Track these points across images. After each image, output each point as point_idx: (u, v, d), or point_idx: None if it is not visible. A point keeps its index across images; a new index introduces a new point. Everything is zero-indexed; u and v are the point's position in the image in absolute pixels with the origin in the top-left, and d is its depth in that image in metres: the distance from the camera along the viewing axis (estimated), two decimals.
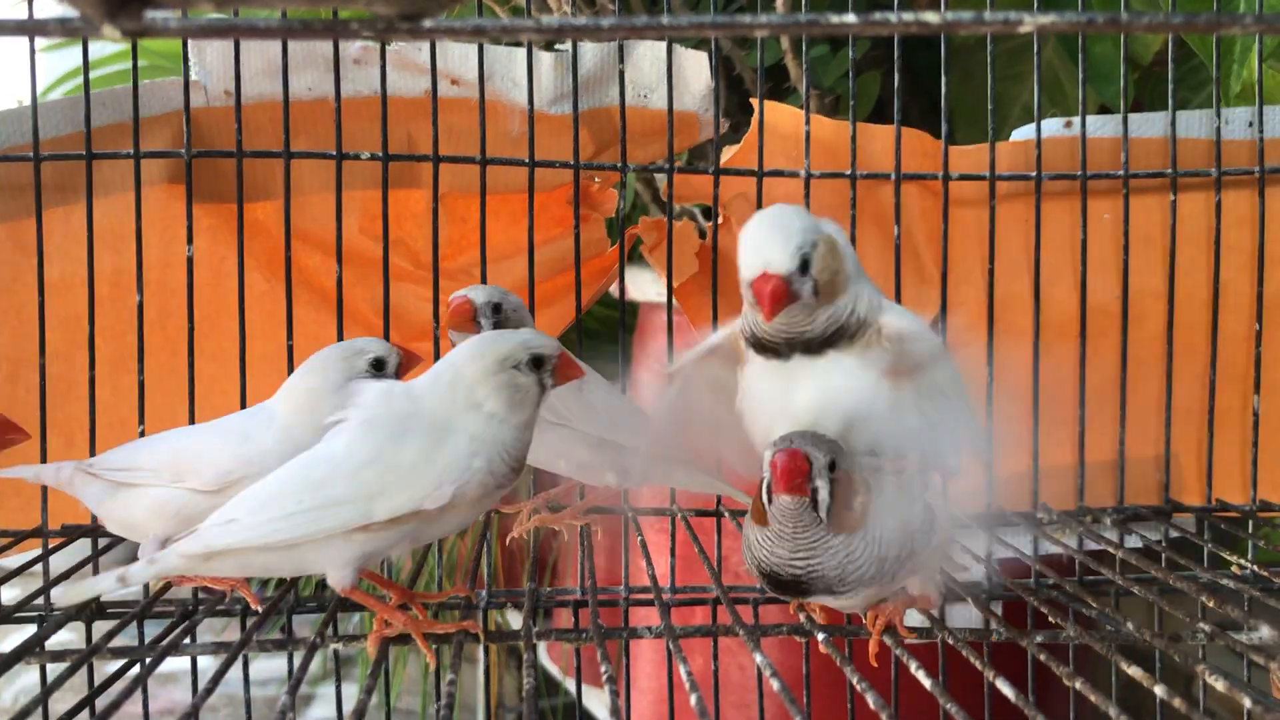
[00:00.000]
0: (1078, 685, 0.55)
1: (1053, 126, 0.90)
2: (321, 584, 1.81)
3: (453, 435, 0.57)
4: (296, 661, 0.64)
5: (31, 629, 0.77)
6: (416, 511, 0.56)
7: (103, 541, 0.84)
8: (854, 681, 0.55)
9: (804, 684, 0.86)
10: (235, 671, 0.62)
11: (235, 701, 1.38)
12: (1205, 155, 0.89)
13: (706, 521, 0.88)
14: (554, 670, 1.73)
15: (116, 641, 0.71)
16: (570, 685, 1.51)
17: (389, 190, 0.85)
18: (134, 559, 0.80)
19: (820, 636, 0.61)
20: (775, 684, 0.54)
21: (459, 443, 0.57)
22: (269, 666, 1.73)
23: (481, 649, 1.91)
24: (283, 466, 0.58)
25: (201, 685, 0.84)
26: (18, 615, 0.78)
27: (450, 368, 0.60)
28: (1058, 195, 0.90)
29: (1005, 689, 0.53)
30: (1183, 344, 0.90)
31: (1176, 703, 0.52)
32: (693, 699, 0.53)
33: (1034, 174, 0.88)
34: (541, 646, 1.73)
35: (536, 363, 0.60)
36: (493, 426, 0.59)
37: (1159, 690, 0.54)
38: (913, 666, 0.56)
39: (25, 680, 2.05)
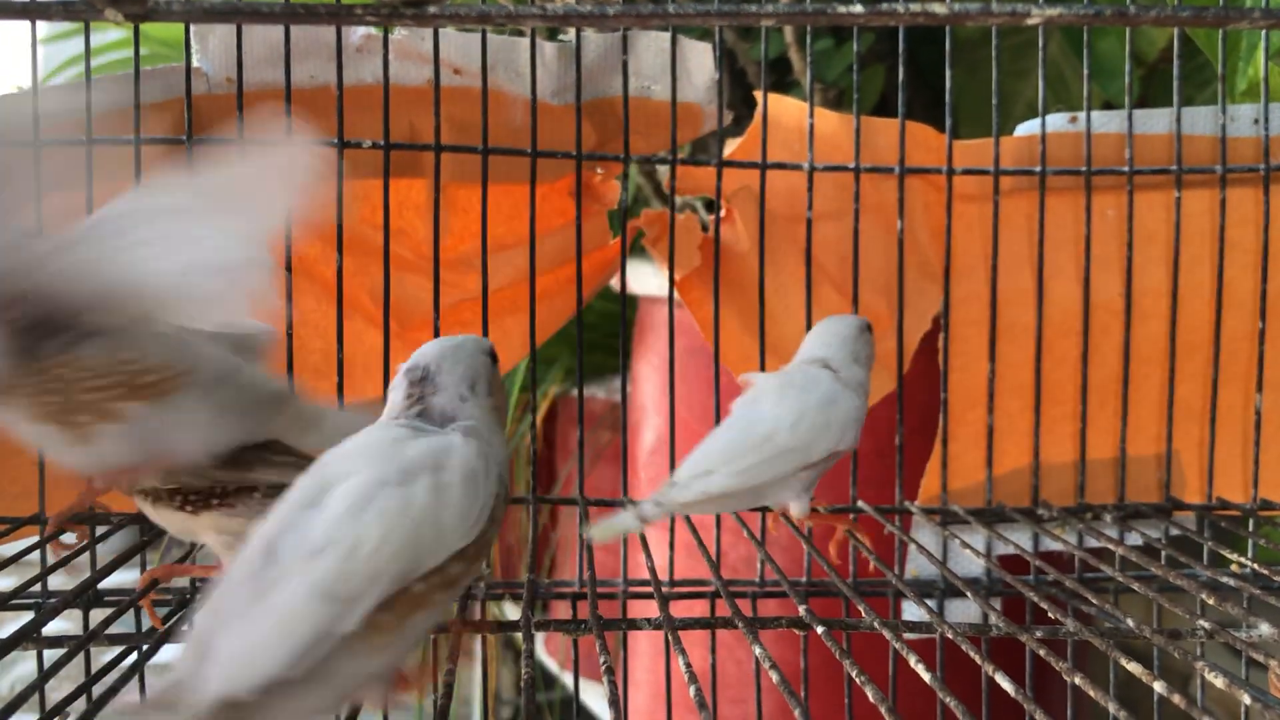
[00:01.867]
0: (1077, 680, 0.54)
1: (1057, 122, 0.90)
2: None
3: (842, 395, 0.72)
4: None
5: (27, 616, 0.78)
6: (833, 452, 0.71)
7: (100, 529, 0.83)
8: (853, 675, 0.55)
9: (802, 678, 0.86)
10: None
11: None
12: (1210, 152, 0.89)
13: (705, 515, 0.87)
14: (550, 664, 1.73)
15: (114, 628, 0.71)
16: (566, 679, 1.51)
17: (390, 180, 0.85)
18: (132, 547, 0.81)
19: (820, 630, 0.61)
20: (774, 676, 0.54)
21: (849, 404, 0.72)
22: None
23: (478, 641, 1.91)
24: (723, 428, 0.72)
25: None
26: (14, 602, 0.78)
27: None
28: (1061, 191, 0.90)
29: (1005, 684, 0.53)
30: (1185, 342, 0.90)
31: (1175, 699, 0.52)
32: (691, 691, 0.53)
33: (1038, 169, 0.88)
34: (539, 639, 1.74)
35: None
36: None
37: (1158, 686, 0.54)
38: (912, 660, 0.56)
39: (21, 669, 2.05)
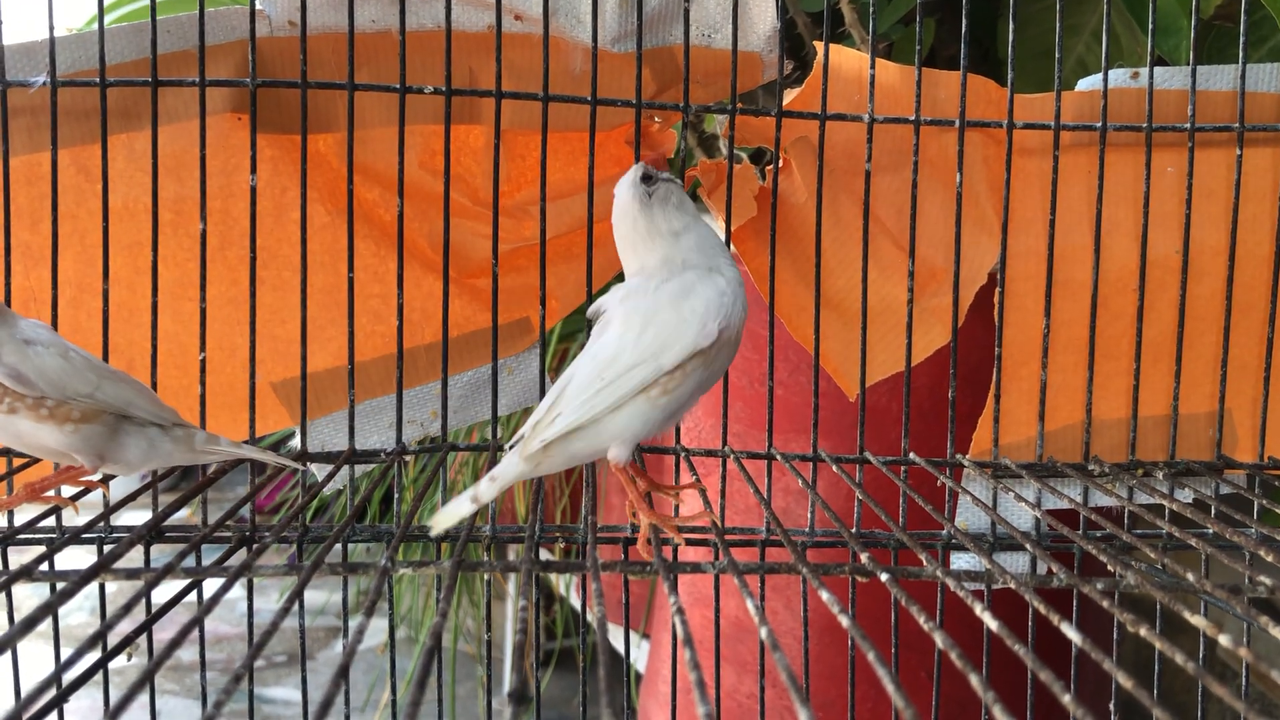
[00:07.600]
0: (1143, 632, 0.55)
1: (1119, 77, 0.89)
2: (382, 515, 1.83)
3: (700, 286, 0.66)
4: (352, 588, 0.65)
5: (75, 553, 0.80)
6: (695, 353, 0.64)
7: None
8: (921, 621, 0.55)
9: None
10: (267, 602, 0.63)
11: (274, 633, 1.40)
12: (1273, 110, 0.88)
13: (755, 464, 0.88)
14: (579, 608, 1.75)
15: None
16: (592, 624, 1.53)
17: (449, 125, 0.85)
18: (193, 488, 0.82)
19: (884, 577, 0.62)
20: (844, 620, 0.55)
21: (710, 288, 0.66)
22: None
23: (512, 583, 1.93)
24: (575, 363, 0.66)
25: (245, 617, 0.86)
26: (84, 536, 0.80)
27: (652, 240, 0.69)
28: (1121, 147, 0.90)
29: (1071, 633, 0.54)
30: (1241, 301, 0.89)
31: (1242, 652, 0.53)
32: (763, 632, 0.54)
33: (1099, 125, 0.88)
34: (572, 584, 1.76)
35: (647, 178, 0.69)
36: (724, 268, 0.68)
37: (1224, 639, 0.55)
38: (978, 609, 0.56)
39: (71, 603, 2.10)
